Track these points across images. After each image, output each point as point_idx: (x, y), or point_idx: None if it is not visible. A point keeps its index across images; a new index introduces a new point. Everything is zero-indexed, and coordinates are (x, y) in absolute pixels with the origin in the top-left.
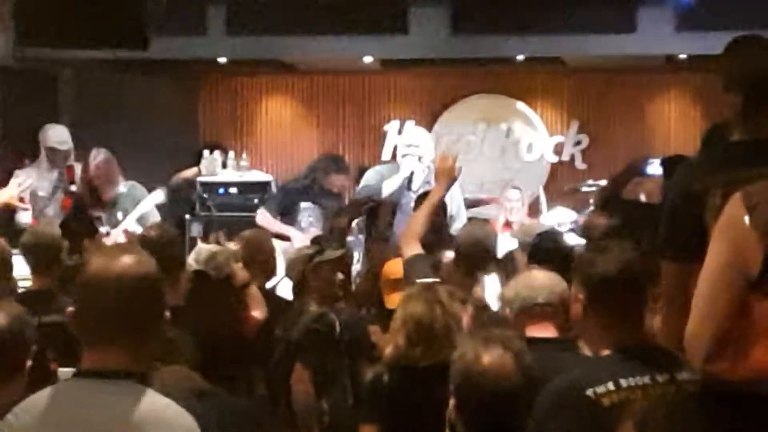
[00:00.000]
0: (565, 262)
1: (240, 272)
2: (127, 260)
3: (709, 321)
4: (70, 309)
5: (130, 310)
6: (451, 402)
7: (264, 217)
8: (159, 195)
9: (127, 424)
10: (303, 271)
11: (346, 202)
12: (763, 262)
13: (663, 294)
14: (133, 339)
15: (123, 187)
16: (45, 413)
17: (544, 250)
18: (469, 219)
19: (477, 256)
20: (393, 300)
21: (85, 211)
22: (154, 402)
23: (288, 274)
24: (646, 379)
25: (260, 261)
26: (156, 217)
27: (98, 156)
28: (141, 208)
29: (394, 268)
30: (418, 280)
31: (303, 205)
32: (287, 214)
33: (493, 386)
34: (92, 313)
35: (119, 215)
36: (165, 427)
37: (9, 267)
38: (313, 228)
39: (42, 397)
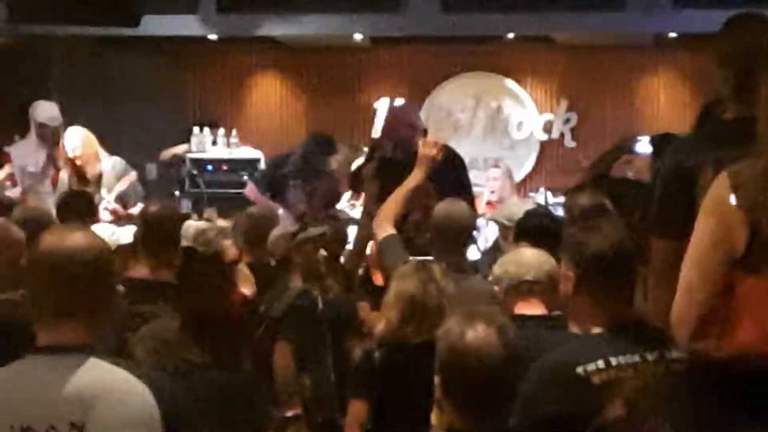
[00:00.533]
0: (554, 240)
1: (229, 249)
2: (77, 237)
3: (694, 299)
4: (21, 290)
5: (81, 286)
6: (437, 379)
7: (252, 192)
8: (132, 175)
9: (80, 397)
10: (286, 248)
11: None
12: (747, 240)
13: (652, 271)
14: (86, 313)
15: (107, 163)
16: (0, 393)
17: (532, 228)
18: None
19: (453, 234)
20: (380, 277)
21: (84, 179)
22: (106, 373)
23: (271, 251)
24: (636, 358)
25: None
26: (137, 194)
27: (75, 135)
28: (119, 186)
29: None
30: (411, 258)
31: (292, 182)
32: (276, 190)
33: (478, 363)
34: (44, 290)
35: (104, 191)
36: (116, 397)
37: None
38: (300, 205)
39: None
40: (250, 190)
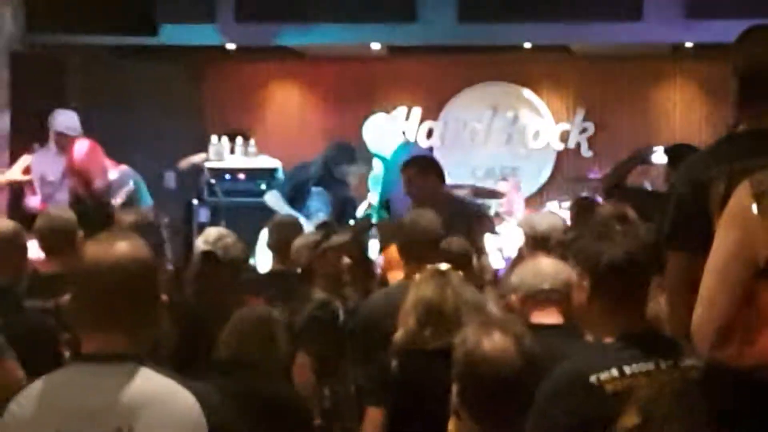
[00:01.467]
0: None
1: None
2: (122, 245)
3: (716, 309)
4: (66, 296)
5: (127, 294)
6: (454, 388)
7: (274, 199)
8: (129, 186)
9: (127, 406)
10: (309, 257)
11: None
12: None
13: (668, 285)
14: (131, 322)
15: (113, 174)
16: (47, 400)
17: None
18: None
19: (422, 245)
20: (397, 278)
21: (96, 196)
22: (153, 382)
23: (294, 260)
24: (650, 366)
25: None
26: (144, 196)
27: (81, 147)
28: (117, 199)
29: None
30: (429, 265)
31: (314, 189)
32: (297, 197)
33: (495, 371)
34: (90, 299)
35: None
36: (163, 406)
37: (24, 250)
38: (321, 213)
39: (43, 384)
40: (271, 200)
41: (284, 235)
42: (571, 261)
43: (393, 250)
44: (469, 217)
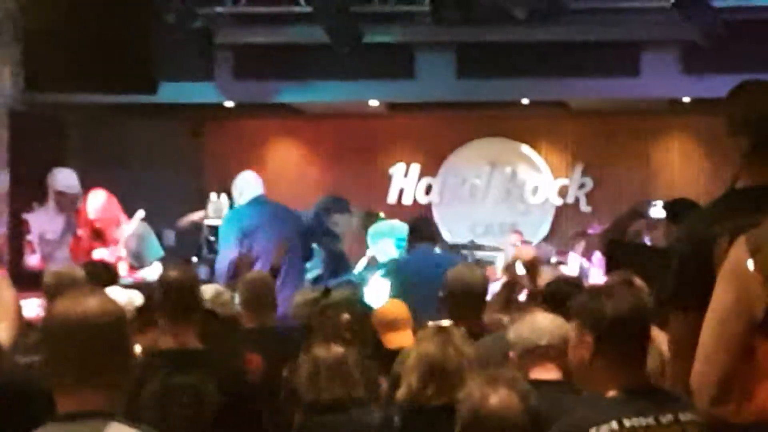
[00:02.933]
0: None
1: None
2: (89, 302)
3: (714, 364)
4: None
5: (97, 351)
6: None
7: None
8: (140, 214)
9: None
10: (309, 314)
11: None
12: (767, 304)
13: (670, 342)
14: (104, 378)
15: (128, 228)
16: None
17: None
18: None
19: (464, 297)
20: (390, 340)
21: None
22: None
23: (294, 317)
24: (650, 420)
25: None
26: (154, 247)
27: (97, 199)
28: (127, 229)
29: (388, 308)
30: (431, 322)
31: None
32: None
33: (501, 427)
34: (61, 356)
35: (123, 252)
36: None
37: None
38: (315, 269)
39: None
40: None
41: (256, 292)
42: (572, 318)
43: (383, 309)
44: None
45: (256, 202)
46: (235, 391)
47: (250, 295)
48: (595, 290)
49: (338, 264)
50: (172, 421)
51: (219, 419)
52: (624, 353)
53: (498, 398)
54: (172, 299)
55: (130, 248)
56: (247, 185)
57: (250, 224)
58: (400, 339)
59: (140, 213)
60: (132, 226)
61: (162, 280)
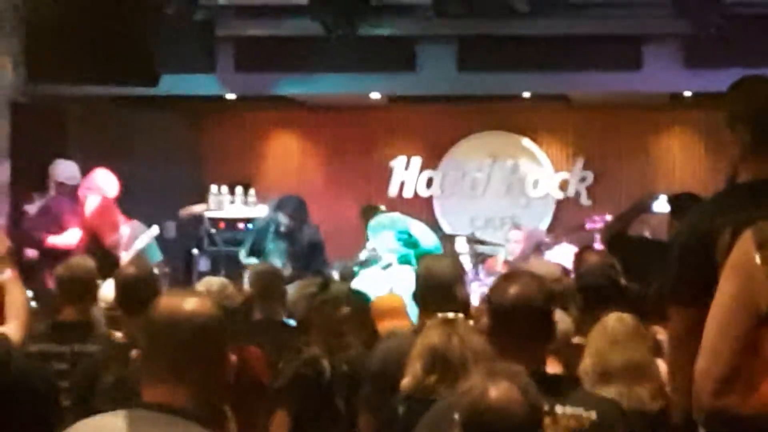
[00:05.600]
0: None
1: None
2: (195, 301)
3: (719, 357)
4: (136, 351)
5: (198, 349)
6: None
7: (243, 258)
8: (154, 230)
9: None
10: (306, 308)
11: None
12: None
13: (670, 339)
14: (199, 378)
15: (125, 228)
16: None
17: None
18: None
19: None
20: (385, 327)
21: (102, 244)
22: None
23: (291, 312)
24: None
25: (276, 294)
26: (154, 253)
27: (92, 204)
28: (137, 245)
29: (384, 299)
30: (440, 314)
31: (271, 246)
32: (256, 252)
33: (501, 421)
34: (157, 352)
35: (123, 255)
36: None
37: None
38: (285, 270)
39: (108, 421)
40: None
41: (265, 283)
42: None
43: (379, 300)
44: None
45: None
46: (240, 388)
47: (259, 286)
48: (505, 275)
49: (313, 255)
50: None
51: None
52: (514, 338)
53: (498, 392)
54: (127, 294)
55: (129, 251)
56: None
57: None
58: (394, 327)
59: (155, 229)
60: (144, 241)
61: (118, 276)
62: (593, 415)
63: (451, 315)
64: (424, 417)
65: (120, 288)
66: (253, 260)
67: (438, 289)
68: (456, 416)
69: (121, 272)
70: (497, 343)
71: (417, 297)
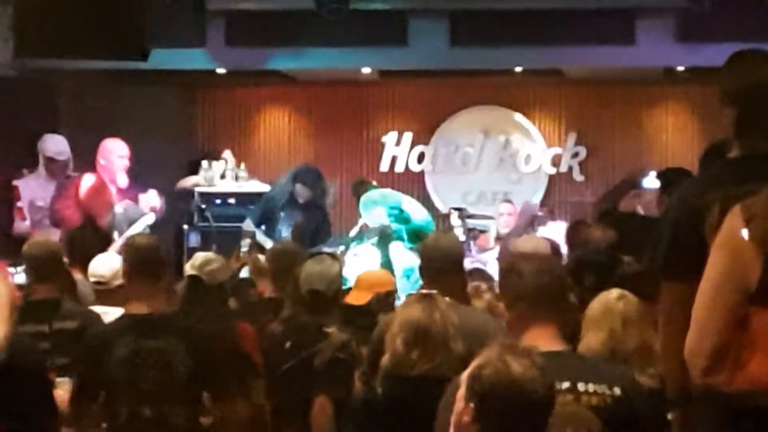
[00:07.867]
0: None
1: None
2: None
3: (708, 333)
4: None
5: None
6: (467, 409)
7: (248, 227)
8: (149, 217)
9: None
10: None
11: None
12: (761, 273)
13: (661, 312)
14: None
15: (118, 207)
16: None
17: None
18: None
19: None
20: (353, 297)
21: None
22: None
23: None
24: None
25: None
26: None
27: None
28: (133, 230)
29: (373, 272)
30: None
31: (282, 215)
32: (267, 223)
33: (521, 397)
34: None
35: (115, 235)
36: None
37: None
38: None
39: None
40: (246, 228)
41: (284, 263)
42: None
43: (371, 273)
44: None
45: None
46: (204, 357)
47: (278, 264)
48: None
49: (319, 232)
50: (143, 384)
51: (189, 383)
52: (532, 319)
53: (521, 367)
54: (138, 265)
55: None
56: None
57: None
58: (360, 298)
59: (150, 217)
60: (138, 228)
61: (128, 246)
62: (617, 391)
63: (428, 292)
64: (442, 401)
65: (134, 256)
66: (252, 227)
67: (446, 262)
68: (468, 386)
69: (134, 243)
70: (516, 321)
71: (423, 270)
